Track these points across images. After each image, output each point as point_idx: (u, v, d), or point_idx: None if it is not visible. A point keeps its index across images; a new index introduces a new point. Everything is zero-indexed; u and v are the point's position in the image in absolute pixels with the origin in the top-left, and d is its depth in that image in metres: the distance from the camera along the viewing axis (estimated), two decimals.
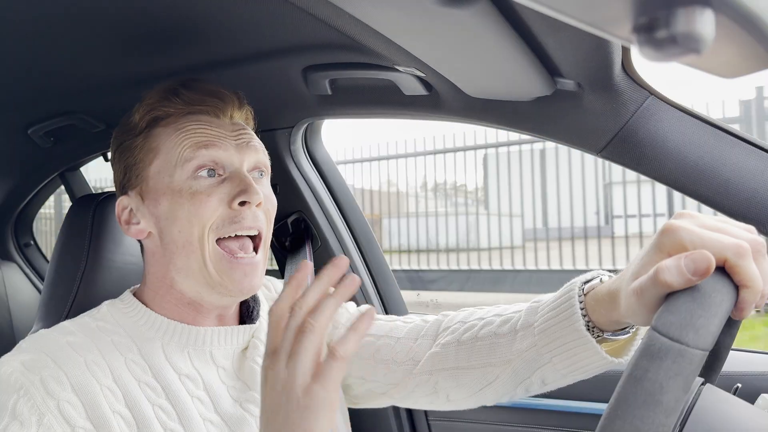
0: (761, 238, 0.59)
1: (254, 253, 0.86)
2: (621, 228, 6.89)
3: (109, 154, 0.98)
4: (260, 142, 0.93)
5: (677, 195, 6.40)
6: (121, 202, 0.91)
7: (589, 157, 6.31)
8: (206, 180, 0.85)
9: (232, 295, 0.87)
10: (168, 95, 0.89)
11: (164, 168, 0.86)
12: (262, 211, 0.87)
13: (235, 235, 0.85)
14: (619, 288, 0.68)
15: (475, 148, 7.05)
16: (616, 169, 6.38)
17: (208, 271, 0.84)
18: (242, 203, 0.84)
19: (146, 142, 0.88)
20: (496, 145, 6.95)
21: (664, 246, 0.61)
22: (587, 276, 0.79)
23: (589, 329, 0.75)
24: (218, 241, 0.85)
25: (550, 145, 6.61)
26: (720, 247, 0.55)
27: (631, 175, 6.44)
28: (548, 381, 0.83)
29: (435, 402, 0.96)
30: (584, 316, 0.75)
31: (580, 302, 0.75)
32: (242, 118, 0.94)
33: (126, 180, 0.91)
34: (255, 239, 0.87)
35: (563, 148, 6.61)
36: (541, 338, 0.79)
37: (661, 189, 6.75)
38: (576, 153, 6.45)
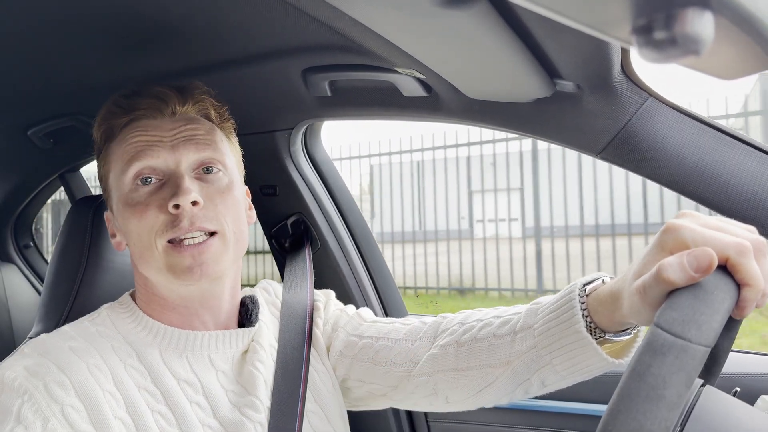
0: (762, 238, 0.59)
1: (205, 236, 0.84)
2: (480, 231, 7.77)
3: None
4: (211, 133, 0.90)
5: (529, 202, 7.09)
6: (107, 215, 0.95)
7: (456, 168, 7.13)
8: (143, 189, 0.85)
9: (189, 283, 0.85)
10: (112, 108, 0.90)
11: (115, 181, 0.88)
12: (207, 209, 0.85)
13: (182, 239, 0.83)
14: (622, 288, 0.68)
15: (367, 156, 7.62)
16: (476, 178, 7.17)
17: (161, 267, 0.84)
18: (176, 206, 0.82)
19: (104, 158, 0.91)
20: (388, 154, 7.60)
21: (666, 245, 0.61)
22: (588, 278, 0.78)
23: (590, 330, 0.75)
24: (169, 241, 0.84)
25: (427, 156, 7.36)
26: (722, 246, 0.55)
27: (489, 184, 7.06)
28: (548, 382, 0.82)
29: (434, 403, 0.96)
30: (586, 317, 0.75)
31: (582, 303, 0.75)
32: (192, 110, 0.91)
33: (104, 193, 0.94)
34: (212, 235, 0.85)
35: (440, 159, 7.26)
36: (541, 340, 0.79)
37: (516, 196, 7.37)
38: (451, 163, 7.16)
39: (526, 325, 0.82)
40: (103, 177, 0.92)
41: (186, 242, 0.83)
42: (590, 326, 0.75)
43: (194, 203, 0.83)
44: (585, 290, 0.77)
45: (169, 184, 0.84)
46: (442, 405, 0.95)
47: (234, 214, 0.88)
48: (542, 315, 0.80)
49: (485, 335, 0.87)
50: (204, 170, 0.88)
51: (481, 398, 0.90)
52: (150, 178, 0.85)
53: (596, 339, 0.75)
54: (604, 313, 0.73)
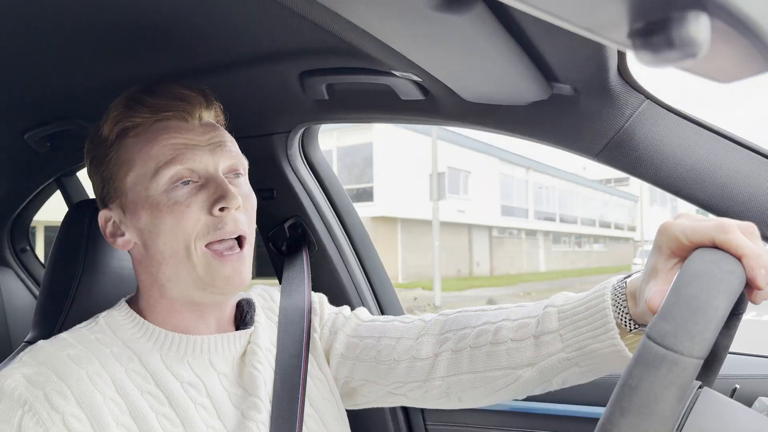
0: (749, 223, 0.62)
1: (239, 248, 0.87)
2: None
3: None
4: (233, 140, 0.92)
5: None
6: (104, 215, 0.91)
7: None
8: (183, 189, 0.84)
9: (223, 293, 0.87)
10: (133, 104, 0.88)
11: (140, 181, 0.85)
12: (242, 213, 0.87)
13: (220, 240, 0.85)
14: (636, 289, 0.74)
15: None
16: None
17: (197, 273, 0.84)
18: (222, 209, 0.84)
19: (119, 155, 0.88)
20: None
21: (662, 244, 0.65)
22: (619, 277, 0.81)
23: (625, 323, 0.77)
24: (206, 245, 0.85)
25: None
26: (706, 229, 0.60)
27: None
28: (569, 381, 0.85)
29: (446, 404, 0.97)
30: (625, 311, 0.77)
31: (622, 297, 0.78)
32: (212, 117, 0.93)
33: (105, 193, 0.90)
34: (239, 239, 0.87)
35: None
36: (571, 344, 0.81)
37: None
38: None
39: (549, 329, 0.84)
40: (114, 175, 0.88)
41: (226, 253, 0.85)
42: (626, 320, 0.77)
43: (238, 207, 0.85)
44: (625, 283, 0.79)
45: (209, 187, 0.85)
46: (454, 404, 0.97)
47: (253, 219, 0.91)
48: (571, 321, 0.82)
49: (502, 339, 0.88)
50: (234, 175, 0.90)
51: (498, 396, 0.92)
52: (189, 180, 0.85)
53: (629, 331, 0.77)
54: (632, 309, 0.77)
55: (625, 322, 0.77)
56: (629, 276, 0.79)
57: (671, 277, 0.63)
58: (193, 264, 0.84)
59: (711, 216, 0.66)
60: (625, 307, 0.77)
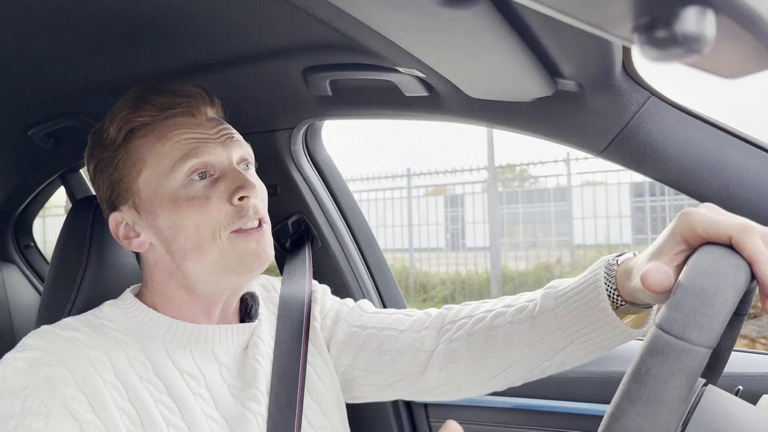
0: None
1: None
2: None
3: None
4: (238, 133, 0.94)
5: None
6: (114, 218, 0.90)
7: None
8: (199, 183, 0.86)
9: (252, 269, 0.88)
10: (139, 104, 0.88)
11: (154, 178, 0.86)
12: (259, 200, 0.90)
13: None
14: (634, 266, 0.72)
15: None
16: None
17: (224, 257, 0.86)
18: (242, 198, 0.86)
19: (128, 155, 0.88)
20: None
21: (677, 228, 0.64)
22: (614, 255, 0.80)
23: (613, 301, 0.77)
24: (233, 231, 0.87)
25: None
26: (726, 225, 0.58)
27: None
28: (568, 362, 0.86)
29: (445, 393, 0.98)
30: (614, 288, 0.77)
31: (612, 276, 0.77)
32: (216, 112, 0.95)
33: (115, 196, 0.90)
34: (259, 222, 0.89)
35: None
36: (565, 321, 0.82)
37: None
38: None
39: (545, 309, 0.85)
40: (124, 176, 0.88)
41: (248, 230, 0.87)
42: (613, 296, 0.77)
43: (256, 195, 0.88)
44: (617, 261, 0.78)
45: (226, 179, 0.87)
46: (453, 394, 0.97)
47: (266, 203, 0.94)
48: (565, 297, 0.83)
49: (500, 323, 0.89)
50: (245, 166, 0.92)
51: (496, 383, 0.93)
52: (205, 173, 0.87)
53: (617, 308, 0.77)
54: (622, 286, 0.76)
55: (613, 298, 0.77)
56: (622, 254, 0.79)
57: (674, 260, 0.63)
58: (219, 249, 0.85)
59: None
60: (613, 284, 0.77)
